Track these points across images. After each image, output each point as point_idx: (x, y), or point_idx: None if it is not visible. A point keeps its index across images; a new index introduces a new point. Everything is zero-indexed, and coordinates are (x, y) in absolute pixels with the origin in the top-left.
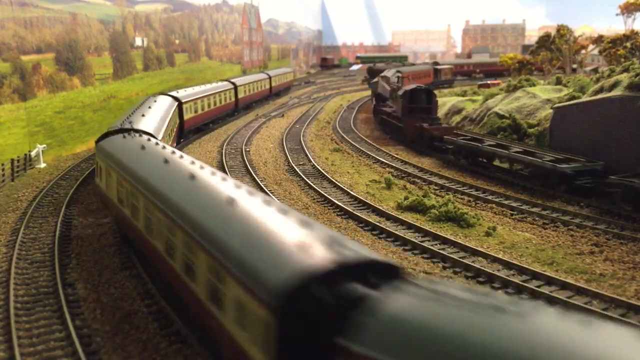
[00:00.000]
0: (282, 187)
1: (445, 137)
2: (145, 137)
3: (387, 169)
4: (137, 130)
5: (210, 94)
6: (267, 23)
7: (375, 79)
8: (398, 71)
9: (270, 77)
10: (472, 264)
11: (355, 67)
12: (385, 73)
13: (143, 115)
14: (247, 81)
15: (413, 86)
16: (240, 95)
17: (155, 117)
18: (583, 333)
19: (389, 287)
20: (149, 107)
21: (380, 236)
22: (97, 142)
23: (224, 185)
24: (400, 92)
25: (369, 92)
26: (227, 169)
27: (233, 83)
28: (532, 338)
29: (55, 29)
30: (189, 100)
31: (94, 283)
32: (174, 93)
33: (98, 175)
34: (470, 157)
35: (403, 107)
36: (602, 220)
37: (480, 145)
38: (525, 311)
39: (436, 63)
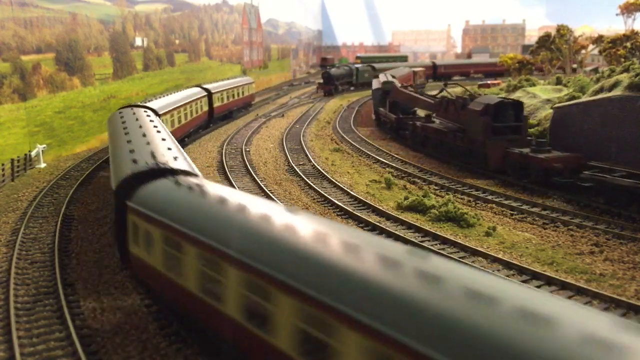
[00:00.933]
0: (282, 187)
1: (585, 173)
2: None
3: (387, 169)
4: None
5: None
6: (267, 23)
7: (378, 86)
8: (393, 76)
9: (210, 94)
10: (472, 264)
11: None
12: (389, 78)
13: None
14: (168, 105)
15: (496, 99)
16: None
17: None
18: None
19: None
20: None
21: (381, 236)
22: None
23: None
24: (476, 107)
25: (369, 93)
26: (227, 169)
27: (152, 109)
28: None
29: (55, 29)
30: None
31: (94, 283)
32: None
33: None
34: None
35: (485, 128)
36: (602, 220)
37: None
38: None
39: (369, 66)
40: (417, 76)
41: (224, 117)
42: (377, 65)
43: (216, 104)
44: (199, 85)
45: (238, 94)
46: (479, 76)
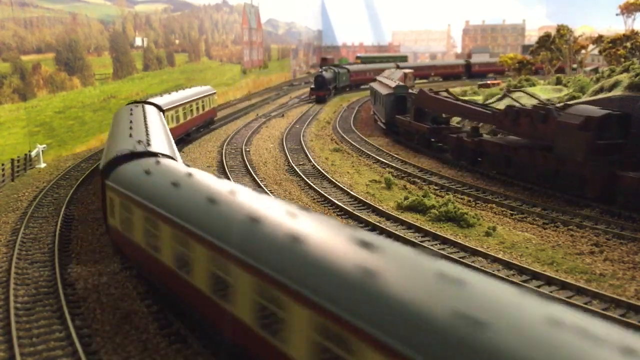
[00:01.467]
0: (282, 187)
1: None
2: None
3: (387, 169)
4: None
5: None
6: (267, 23)
7: (390, 91)
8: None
9: (161, 112)
10: (472, 264)
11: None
12: (391, 80)
13: None
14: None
15: (599, 110)
16: None
17: None
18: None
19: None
20: None
21: (381, 236)
22: None
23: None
24: (572, 120)
25: (367, 93)
26: (227, 169)
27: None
28: None
29: (55, 29)
30: None
31: (94, 283)
32: None
33: None
34: None
35: (587, 146)
36: (602, 220)
37: None
38: None
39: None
40: (408, 78)
41: (179, 140)
42: (351, 68)
43: (170, 124)
44: (144, 101)
45: (197, 108)
46: (438, 79)
